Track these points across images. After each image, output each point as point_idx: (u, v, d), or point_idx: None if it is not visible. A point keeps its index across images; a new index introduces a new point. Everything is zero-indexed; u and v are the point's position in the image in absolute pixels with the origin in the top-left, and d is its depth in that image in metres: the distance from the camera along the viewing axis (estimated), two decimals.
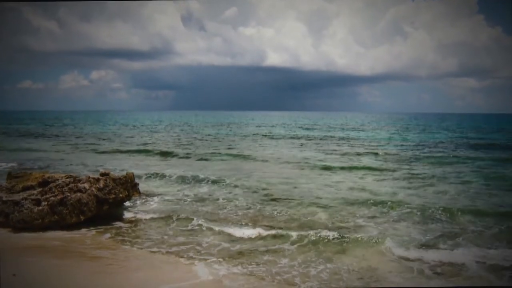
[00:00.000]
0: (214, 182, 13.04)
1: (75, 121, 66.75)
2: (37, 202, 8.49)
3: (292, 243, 7.43)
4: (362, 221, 8.91)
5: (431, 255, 6.84)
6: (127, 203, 9.97)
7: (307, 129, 48.40)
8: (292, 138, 33.58)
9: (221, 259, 6.86)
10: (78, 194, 8.57)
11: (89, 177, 9.03)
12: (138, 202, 10.53)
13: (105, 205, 8.92)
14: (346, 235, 7.77)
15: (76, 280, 5.97)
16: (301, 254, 7.00)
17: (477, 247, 7.19)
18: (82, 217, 8.50)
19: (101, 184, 8.91)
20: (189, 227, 8.56)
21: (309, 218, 9.15)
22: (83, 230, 8.38)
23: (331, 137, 34.10)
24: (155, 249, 7.41)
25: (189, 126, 54.80)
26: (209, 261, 6.80)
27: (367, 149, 23.93)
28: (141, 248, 7.47)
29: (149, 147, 24.21)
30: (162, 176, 13.92)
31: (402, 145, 26.74)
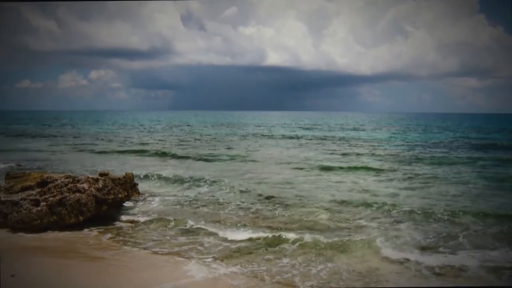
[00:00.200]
0: (213, 182, 12.99)
1: (73, 121, 66.67)
2: (36, 203, 8.46)
3: (292, 244, 7.39)
4: (362, 222, 8.87)
5: (432, 256, 6.80)
6: (126, 204, 9.95)
7: (307, 129, 48.36)
8: (292, 138, 33.53)
9: (221, 259, 6.85)
10: (77, 194, 8.53)
11: (88, 177, 8.99)
12: (137, 202, 10.50)
13: (104, 206, 8.89)
14: (346, 236, 7.74)
15: (75, 280, 5.94)
16: (301, 255, 6.95)
17: (478, 248, 7.15)
18: (81, 218, 8.47)
19: (100, 184, 8.88)
20: (189, 228, 8.52)
21: (309, 219, 9.10)
22: (82, 231, 8.35)
23: (331, 137, 34.04)
24: (154, 250, 7.37)
25: (188, 126, 54.76)
26: (209, 261, 6.79)
27: (367, 149, 23.88)
28: (141, 249, 7.44)
29: (148, 147, 24.15)
30: (162, 177, 13.88)
31: (402, 145, 26.69)
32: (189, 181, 13.22)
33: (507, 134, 37.96)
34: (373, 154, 20.88)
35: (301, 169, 16.19)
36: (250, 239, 7.75)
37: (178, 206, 10.38)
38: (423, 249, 7.16)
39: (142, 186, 11.57)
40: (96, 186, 8.80)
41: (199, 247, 7.45)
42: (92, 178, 8.97)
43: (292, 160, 18.85)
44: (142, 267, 6.54)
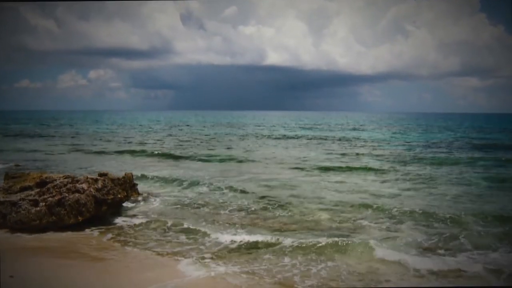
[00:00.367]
0: (213, 183, 12.95)
1: (72, 121, 66.61)
2: (35, 203, 8.42)
3: (292, 244, 7.34)
4: (363, 222, 8.84)
5: (432, 257, 6.77)
6: (126, 204, 9.91)
7: (307, 129, 48.34)
8: (292, 138, 33.51)
9: (222, 259, 6.84)
10: (76, 194, 8.49)
11: (87, 178, 8.95)
12: (137, 202, 10.47)
13: (103, 206, 8.84)
14: (346, 236, 7.72)
15: (75, 281, 5.92)
16: (301, 255, 6.93)
17: (479, 249, 7.11)
18: (80, 218, 8.43)
19: (100, 184, 8.84)
20: (189, 228, 8.47)
21: (309, 219, 9.08)
22: (82, 231, 8.31)
23: (332, 137, 34.02)
24: (154, 250, 7.34)
25: (188, 126, 54.73)
26: (210, 261, 6.78)
27: (367, 149, 23.87)
28: (141, 249, 7.40)
29: (147, 148, 24.14)
30: (161, 177, 13.84)
31: (403, 145, 26.66)
32: (188, 182, 13.17)
33: (508, 134, 37.91)
34: (373, 154, 20.85)
35: (301, 169, 16.16)
36: (250, 239, 7.70)
37: (178, 207, 10.35)
38: (424, 250, 7.13)
39: (141, 187, 11.56)
40: (96, 186, 8.76)
41: (200, 247, 7.43)
42: (91, 178, 8.94)
43: (292, 160, 18.83)
44: (142, 267, 6.51)
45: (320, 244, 7.21)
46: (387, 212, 9.42)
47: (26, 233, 8.07)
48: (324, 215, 9.29)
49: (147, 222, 8.96)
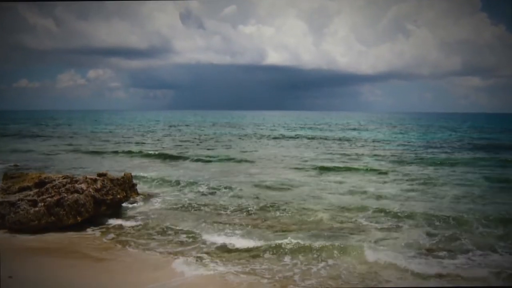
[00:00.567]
0: (213, 183, 12.93)
1: (71, 121, 66.57)
2: (34, 203, 8.40)
3: (292, 244, 7.32)
4: (363, 222, 8.81)
5: (433, 258, 6.75)
6: (125, 204, 9.87)
7: (307, 128, 48.28)
8: (292, 138, 33.47)
9: (222, 259, 6.85)
10: (75, 195, 8.47)
11: (86, 178, 8.93)
12: (136, 203, 10.43)
13: (102, 206, 8.83)
14: (347, 237, 7.73)
15: (74, 281, 5.91)
16: (301, 255, 6.93)
17: (480, 251, 7.08)
18: (79, 218, 8.40)
19: (99, 184, 8.81)
20: (190, 228, 8.46)
21: (309, 219, 9.06)
22: (81, 232, 8.29)
23: (332, 137, 33.97)
24: (154, 250, 7.33)
25: (187, 125, 54.72)
26: (211, 260, 6.79)
27: (368, 149, 23.82)
28: (141, 249, 7.39)
29: (146, 148, 24.09)
30: (161, 177, 13.81)
31: (404, 145, 26.59)
32: (188, 182, 13.13)
33: (510, 134, 37.83)
34: (373, 155, 20.80)
35: (302, 169, 16.12)
36: (250, 240, 7.70)
37: (177, 207, 10.31)
38: (424, 250, 7.10)
39: (140, 187, 11.54)
40: (95, 186, 8.74)
41: (200, 247, 7.42)
42: (91, 179, 8.91)
43: (292, 160, 18.79)
44: (141, 267, 6.50)
45: (320, 245, 7.20)
46: (387, 212, 9.39)
47: (25, 234, 8.04)
48: (324, 215, 9.27)
49: (147, 222, 8.93)
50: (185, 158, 19.67)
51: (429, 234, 7.98)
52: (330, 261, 6.68)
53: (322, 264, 6.60)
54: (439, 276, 6.16)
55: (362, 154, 20.98)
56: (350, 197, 11.15)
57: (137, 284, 5.87)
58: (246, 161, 18.74)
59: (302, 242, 7.37)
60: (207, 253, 7.15)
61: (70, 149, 23.70)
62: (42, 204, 8.34)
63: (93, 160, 18.76)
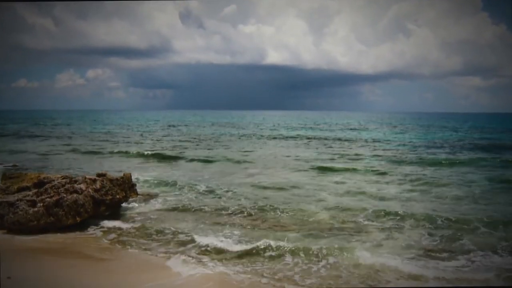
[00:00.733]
0: (212, 183, 12.91)
1: (70, 121, 66.51)
2: (33, 203, 8.36)
3: (292, 245, 7.31)
4: (363, 222, 8.78)
5: (433, 259, 6.73)
6: (125, 204, 9.84)
7: (307, 128, 48.25)
8: (292, 138, 33.45)
9: (223, 259, 6.85)
10: (74, 195, 8.43)
11: (85, 178, 8.89)
12: (136, 203, 10.39)
13: (102, 206, 8.80)
14: (347, 237, 7.71)
15: (73, 282, 5.89)
16: (301, 255, 6.91)
17: (481, 251, 7.04)
18: (78, 219, 8.37)
19: (98, 185, 8.78)
20: (190, 228, 8.43)
21: (309, 220, 9.03)
22: (80, 232, 8.26)
23: (332, 137, 33.94)
24: (154, 251, 7.30)
25: (186, 125, 54.70)
26: (211, 260, 6.79)
27: (368, 149, 23.78)
28: (140, 250, 7.36)
29: (146, 148, 24.04)
30: (160, 177, 13.80)
31: (404, 145, 26.57)
32: (188, 182, 13.10)
33: (511, 134, 37.76)
34: (374, 155, 20.77)
35: (301, 169, 16.08)
36: (250, 240, 7.67)
37: (177, 207, 10.27)
38: (425, 251, 7.07)
39: (140, 187, 11.49)
40: (94, 186, 8.70)
41: (200, 248, 7.40)
42: (90, 179, 8.87)
43: (292, 160, 18.77)
44: (141, 267, 6.48)
45: (320, 245, 7.18)
46: (387, 212, 9.35)
47: (24, 234, 8.01)
48: (325, 216, 9.24)
49: (146, 222, 8.90)
50: (185, 158, 19.65)
51: (429, 235, 7.95)
52: (331, 261, 6.66)
53: (323, 263, 6.59)
54: (439, 276, 6.12)
55: (363, 154, 20.95)
56: (350, 197, 11.12)
57: (136, 284, 5.84)
58: (246, 161, 18.71)
59: (302, 242, 7.37)
60: (207, 253, 7.14)
61: (68, 149, 23.67)
62: (41, 204, 8.31)
63: (92, 160, 18.73)
